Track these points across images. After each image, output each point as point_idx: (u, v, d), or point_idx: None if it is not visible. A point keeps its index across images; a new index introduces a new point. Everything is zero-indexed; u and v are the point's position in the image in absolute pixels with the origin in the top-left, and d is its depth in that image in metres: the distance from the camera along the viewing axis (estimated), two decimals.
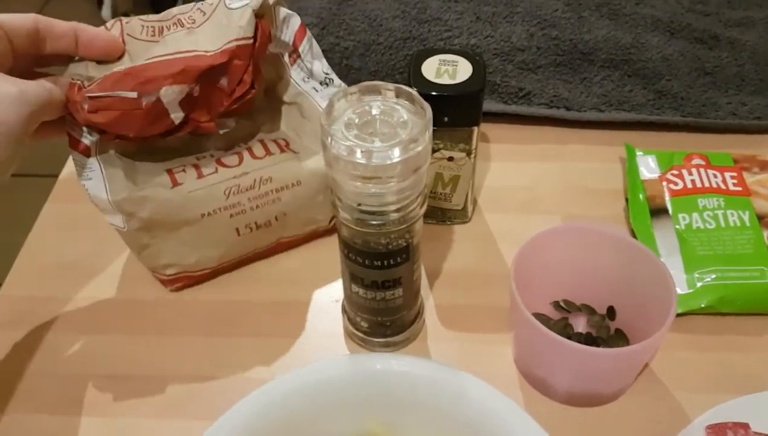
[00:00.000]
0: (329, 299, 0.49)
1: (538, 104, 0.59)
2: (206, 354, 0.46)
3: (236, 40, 0.43)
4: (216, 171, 0.46)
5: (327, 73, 0.51)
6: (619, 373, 0.41)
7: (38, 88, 0.39)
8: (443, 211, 0.52)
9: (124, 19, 0.44)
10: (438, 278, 0.50)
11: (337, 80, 0.52)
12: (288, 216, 0.49)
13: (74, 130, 0.43)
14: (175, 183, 0.45)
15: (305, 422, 0.39)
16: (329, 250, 0.52)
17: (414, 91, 0.36)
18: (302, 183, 0.48)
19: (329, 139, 0.34)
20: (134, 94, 0.41)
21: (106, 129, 0.42)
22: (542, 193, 0.56)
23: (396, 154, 0.34)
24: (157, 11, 0.46)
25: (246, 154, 0.47)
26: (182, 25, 0.44)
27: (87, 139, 0.43)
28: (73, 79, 0.41)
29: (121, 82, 0.41)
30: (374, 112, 0.36)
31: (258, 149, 0.48)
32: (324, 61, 0.51)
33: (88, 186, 0.44)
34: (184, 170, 0.46)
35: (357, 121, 0.36)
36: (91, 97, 0.40)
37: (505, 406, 0.37)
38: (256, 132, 0.50)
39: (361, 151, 0.34)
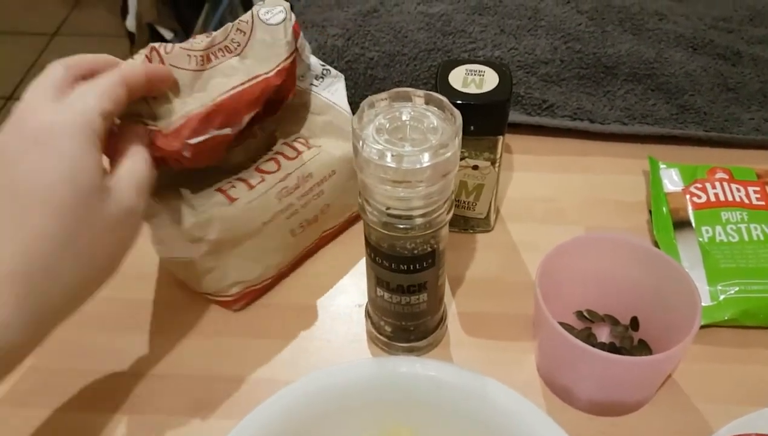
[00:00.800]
0: (352, 303, 0.50)
1: (561, 116, 0.60)
2: (230, 355, 0.47)
3: (288, 57, 0.45)
4: (263, 180, 0.47)
5: (323, 65, 0.52)
6: (642, 382, 0.41)
7: (149, 172, 0.38)
8: (466, 220, 0.53)
9: (161, 48, 0.43)
10: (460, 285, 0.51)
11: (333, 71, 0.53)
12: (330, 207, 0.50)
13: None
14: (230, 199, 0.45)
15: (328, 424, 0.39)
16: (352, 255, 0.52)
17: (444, 98, 0.37)
18: (337, 172, 0.50)
19: (360, 142, 0.35)
20: (229, 131, 0.43)
21: (196, 166, 0.43)
22: (565, 204, 0.56)
23: (426, 158, 0.34)
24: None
25: (280, 159, 0.48)
26: (229, 51, 0.45)
27: None
28: (147, 122, 0.41)
29: (209, 121, 0.42)
30: (404, 118, 0.37)
31: (289, 151, 0.49)
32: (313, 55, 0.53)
33: (157, 222, 0.45)
34: (233, 186, 0.46)
35: (387, 126, 0.36)
36: (191, 145, 0.41)
37: (529, 410, 0.37)
38: (275, 138, 0.51)
39: (392, 155, 0.34)
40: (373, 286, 0.43)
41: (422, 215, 0.38)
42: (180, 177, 0.45)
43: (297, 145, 0.49)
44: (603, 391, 0.41)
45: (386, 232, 0.39)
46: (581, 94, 0.61)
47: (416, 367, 0.40)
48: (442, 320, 0.47)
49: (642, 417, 0.43)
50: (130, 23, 1.76)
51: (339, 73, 0.53)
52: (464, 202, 0.51)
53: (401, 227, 0.38)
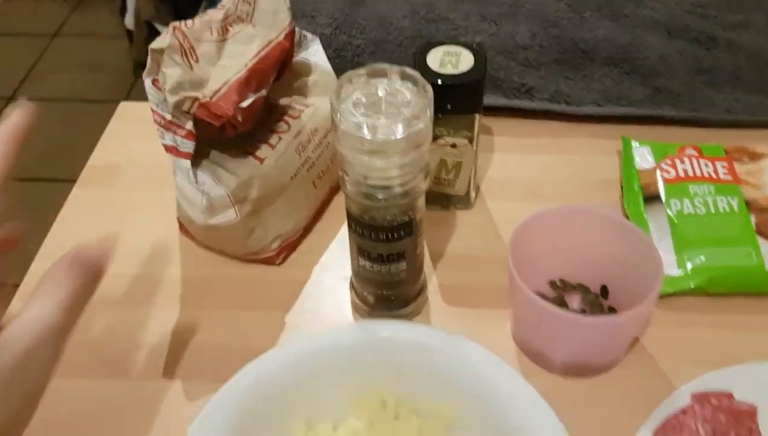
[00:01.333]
0: (338, 277, 0.52)
1: (540, 99, 0.62)
2: (221, 327, 0.49)
3: (290, 22, 0.50)
4: (280, 139, 0.51)
5: (300, 30, 0.56)
6: (610, 342, 0.43)
7: (58, 320, 0.32)
8: (447, 197, 0.55)
9: (182, 25, 0.46)
10: (441, 259, 0.53)
11: (309, 35, 0.56)
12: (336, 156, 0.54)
13: (175, 142, 0.47)
14: (260, 160, 0.49)
15: (313, 386, 0.41)
16: (338, 233, 0.55)
17: (417, 73, 0.39)
18: None
19: (338, 115, 0.37)
20: (264, 92, 0.47)
21: (242, 130, 0.47)
22: (543, 183, 0.58)
23: (399, 130, 0.37)
24: (179, 19, 0.49)
25: (287, 119, 0.52)
26: (242, 20, 0.49)
27: (187, 148, 0.46)
28: (193, 95, 0.44)
29: (248, 85, 0.46)
30: (380, 93, 0.39)
31: (291, 111, 0.52)
32: None
33: (207, 189, 0.48)
34: (258, 148, 0.50)
35: (364, 100, 0.39)
36: (242, 108, 0.45)
37: (506, 372, 0.40)
38: (270, 102, 0.54)
39: (368, 127, 0.37)
40: (356, 256, 0.46)
41: (399, 185, 0.40)
42: (206, 149, 0.49)
43: (295, 105, 0.53)
44: (573, 353, 0.44)
45: (366, 202, 0.41)
46: (559, 78, 0.63)
47: (396, 330, 0.43)
48: (422, 289, 0.49)
49: (612, 378, 0.45)
50: (129, 21, 1.79)
51: (314, 36, 0.56)
52: (444, 179, 0.54)
53: (379, 196, 0.40)
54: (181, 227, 0.55)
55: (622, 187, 0.55)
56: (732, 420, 0.40)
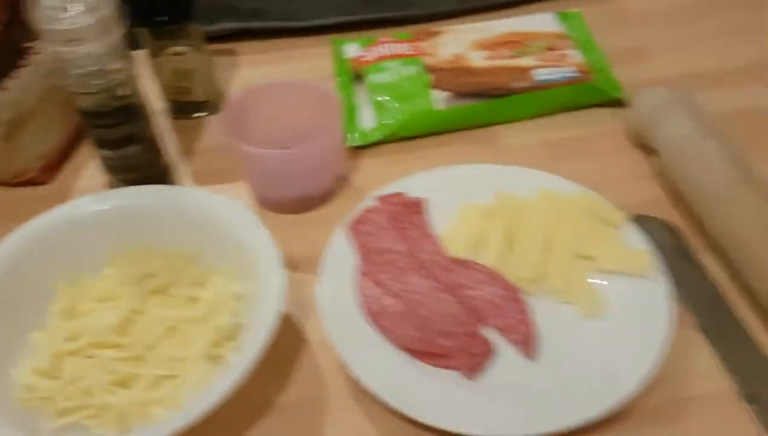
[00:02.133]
0: (99, 184, 0.59)
1: (272, 20, 0.73)
2: None
3: None
4: (23, 72, 0.57)
5: None
6: (305, 172, 0.54)
7: None
8: (190, 105, 0.64)
9: None
10: (192, 154, 0.62)
11: None
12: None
13: None
14: (5, 89, 0.55)
15: (68, 246, 0.49)
16: None
17: None
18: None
19: (40, 18, 0.46)
20: None
21: None
22: None
23: (87, 18, 0.46)
24: None
25: (29, 57, 0.59)
26: None
27: None
28: None
29: None
30: None
31: (33, 51, 0.59)
32: None
33: None
34: (2, 81, 0.56)
35: (59, 4, 0.47)
36: None
37: (233, 208, 0.49)
38: (16, 46, 0.60)
39: (61, 19, 0.46)
40: (98, 149, 0.54)
41: (104, 67, 0.48)
42: None
43: (34, 46, 0.59)
44: (284, 186, 0.55)
45: (87, 93, 0.49)
46: (285, 1, 0.75)
47: (142, 191, 0.51)
48: (168, 171, 0.58)
49: (326, 209, 0.57)
50: None
51: None
52: (182, 87, 0.63)
53: (94, 83, 0.49)
54: None
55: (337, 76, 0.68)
56: (404, 209, 0.52)
